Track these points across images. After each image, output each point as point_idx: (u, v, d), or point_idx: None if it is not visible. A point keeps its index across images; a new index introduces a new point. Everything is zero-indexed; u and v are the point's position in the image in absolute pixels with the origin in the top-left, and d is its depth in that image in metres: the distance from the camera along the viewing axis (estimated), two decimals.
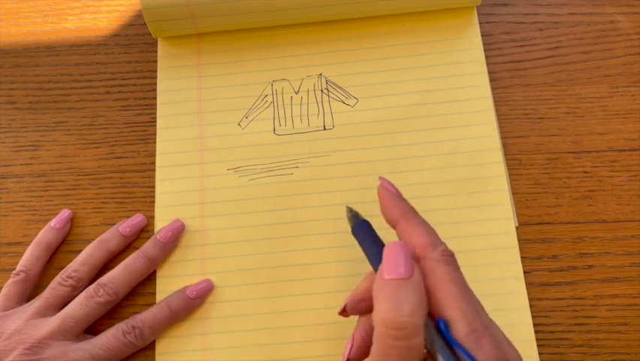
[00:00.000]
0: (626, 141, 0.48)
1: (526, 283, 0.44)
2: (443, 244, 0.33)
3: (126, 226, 0.45)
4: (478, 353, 0.29)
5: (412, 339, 0.30)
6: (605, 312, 0.44)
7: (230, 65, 0.50)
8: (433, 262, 0.32)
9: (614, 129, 0.48)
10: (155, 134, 0.48)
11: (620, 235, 0.45)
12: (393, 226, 0.35)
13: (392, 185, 0.37)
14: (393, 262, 0.31)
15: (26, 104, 0.50)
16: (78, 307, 0.42)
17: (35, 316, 0.41)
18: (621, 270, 0.45)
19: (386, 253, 0.32)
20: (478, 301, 0.32)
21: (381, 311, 0.30)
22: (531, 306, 0.43)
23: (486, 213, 0.45)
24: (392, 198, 0.36)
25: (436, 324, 0.31)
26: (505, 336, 0.32)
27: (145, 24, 0.49)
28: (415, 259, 0.32)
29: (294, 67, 0.50)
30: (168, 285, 0.44)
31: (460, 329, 0.30)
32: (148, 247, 0.44)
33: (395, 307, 0.30)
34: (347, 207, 0.38)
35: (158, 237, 0.45)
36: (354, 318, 0.44)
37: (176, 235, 0.45)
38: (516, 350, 0.31)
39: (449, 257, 0.33)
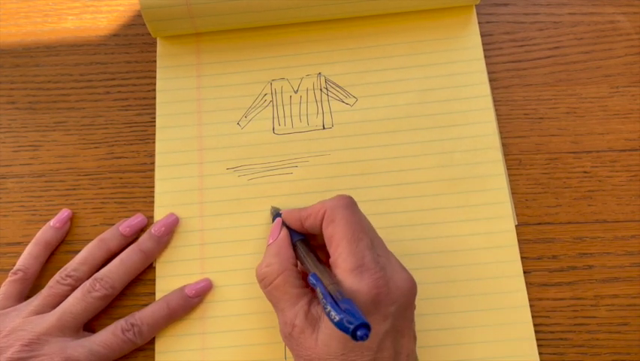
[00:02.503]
0: (626, 141, 0.48)
1: (526, 283, 0.44)
2: (347, 196, 0.39)
3: (126, 225, 0.45)
4: (359, 284, 0.35)
5: (274, 281, 0.38)
6: (605, 312, 0.44)
7: (229, 65, 0.50)
8: (333, 209, 0.38)
9: (614, 129, 0.48)
10: (155, 134, 0.48)
11: (620, 235, 0.45)
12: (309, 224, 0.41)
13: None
14: (270, 233, 0.42)
15: (26, 104, 0.50)
16: (75, 302, 0.42)
17: (33, 314, 0.41)
18: (621, 270, 0.44)
19: (271, 228, 0.42)
20: (375, 237, 0.39)
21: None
22: (531, 306, 0.43)
23: (485, 212, 0.45)
24: (290, 214, 0.42)
25: (309, 278, 0.37)
26: (399, 266, 0.38)
27: (145, 24, 0.49)
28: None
29: (293, 66, 0.50)
30: (168, 285, 0.44)
31: (347, 266, 0.36)
32: (143, 240, 0.44)
33: (258, 265, 0.40)
34: (272, 206, 0.46)
35: (152, 231, 0.45)
36: None
37: (170, 228, 0.45)
38: (406, 274, 0.38)
39: (347, 202, 0.39)
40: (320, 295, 0.35)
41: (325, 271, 0.37)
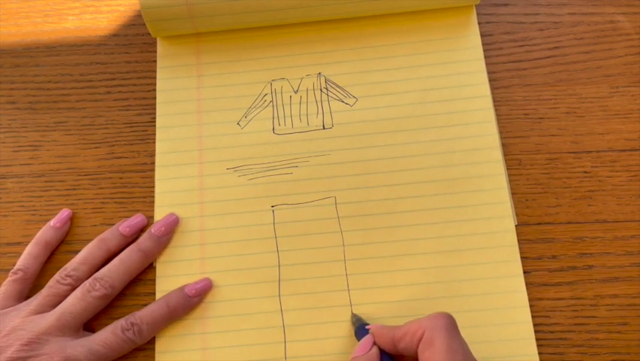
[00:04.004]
0: (626, 141, 0.48)
1: (526, 283, 0.44)
2: (447, 315, 0.37)
3: (126, 225, 0.45)
4: None
5: None
6: (605, 312, 0.44)
7: (229, 65, 0.50)
8: (433, 330, 0.36)
9: (614, 129, 0.48)
10: (155, 134, 0.48)
11: (620, 235, 0.45)
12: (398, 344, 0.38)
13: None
14: (357, 348, 0.38)
15: (26, 104, 0.50)
16: (75, 301, 0.42)
17: (33, 313, 0.41)
18: (621, 270, 0.44)
19: (359, 343, 0.39)
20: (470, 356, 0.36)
21: None
22: (531, 306, 0.43)
23: (485, 212, 0.45)
24: (382, 332, 0.39)
25: None
26: None
27: (145, 24, 0.49)
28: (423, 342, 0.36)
29: (293, 66, 0.50)
30: (168, 285, 0.44)
31: None
32: (143, 240, 0.45)
33: None
34: (352, 313, 0.43)
35: (152, 230, 0.45)
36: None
37: (170, 228, 0.45)
38: None
39: (447, 322, 0.36)
40: None
41: None
